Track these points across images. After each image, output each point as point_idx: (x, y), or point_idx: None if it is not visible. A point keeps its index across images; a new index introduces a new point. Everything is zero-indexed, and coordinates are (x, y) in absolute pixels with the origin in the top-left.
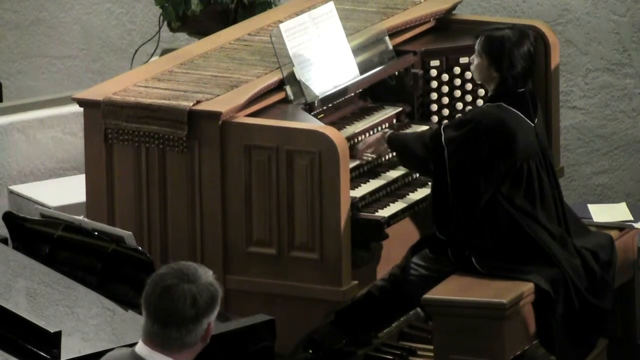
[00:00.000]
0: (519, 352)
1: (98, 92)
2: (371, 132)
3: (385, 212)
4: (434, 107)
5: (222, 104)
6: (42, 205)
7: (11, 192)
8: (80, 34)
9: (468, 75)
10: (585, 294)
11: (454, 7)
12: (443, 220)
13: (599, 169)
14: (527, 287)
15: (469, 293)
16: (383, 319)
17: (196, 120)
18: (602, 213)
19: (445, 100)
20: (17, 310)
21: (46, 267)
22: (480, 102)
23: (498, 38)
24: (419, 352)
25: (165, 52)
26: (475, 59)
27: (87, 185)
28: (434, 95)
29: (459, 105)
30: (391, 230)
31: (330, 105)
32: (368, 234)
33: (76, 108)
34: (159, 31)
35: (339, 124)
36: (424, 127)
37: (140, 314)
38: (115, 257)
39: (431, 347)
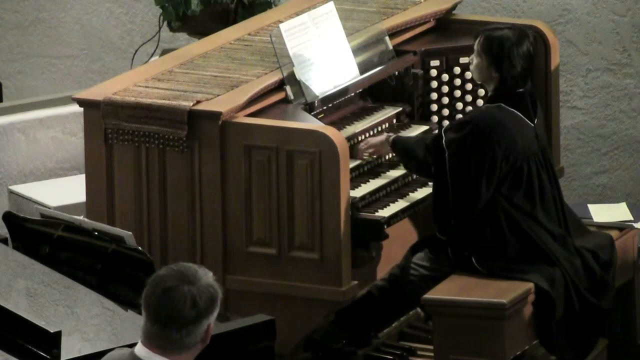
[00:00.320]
0: (519, 352)
1: (98, 92)
2: (371, 132)
3: (385, 212)
4: (434, 107)
5: (222, 104)
6: (42, 205)
7: (11, 192)
8: (80, 34)
9: (468, 75)
10: (585, 294)
11: (454, 7)
12: (444, 220)
13: (599, 169)
14: (527, 287)
15: (469, 293)
16: (383, 319)
17: (196, 120)
18: (602, 213)
19: (445, 100)
20: (17, 310)
21: (46, 267)
22: (480, 102)
23: (497, 38)
24: (419, 352)
25: (165, 52)
26: (474, 59)
27: (87, 185)
28: (434, 95)
29: (459, 105)
30: (391, 230)
31: (330, 105)
32: (368, 234)
33: (76, 108)
34: (159, 31)
35: (339, 124)
36: (424, 127)
37: (140, 314)
38: (115, 257)
39: (431, 347)
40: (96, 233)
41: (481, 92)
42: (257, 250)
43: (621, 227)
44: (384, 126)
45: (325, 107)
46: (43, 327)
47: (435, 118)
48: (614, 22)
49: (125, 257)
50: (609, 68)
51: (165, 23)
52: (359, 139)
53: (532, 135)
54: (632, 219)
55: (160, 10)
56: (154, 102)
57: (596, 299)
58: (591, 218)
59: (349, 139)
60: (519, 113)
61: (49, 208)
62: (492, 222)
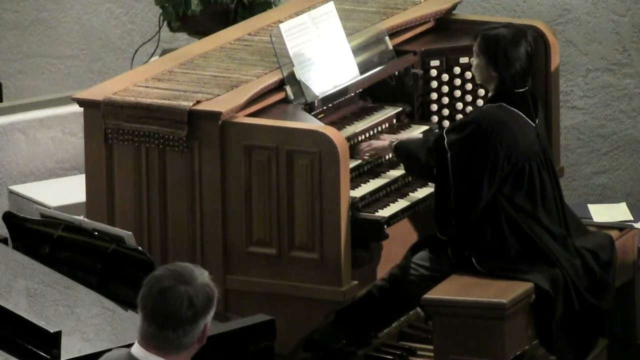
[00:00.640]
0: (519, 352)
1: (98, 92)
2: (371, 132)
3: (385, 212)
4: (434, 107)
5: (222, 104)
6: (42, 205)
7: (11, 192)
8: (80, 34)
9: (468, 75)
10: (585, 294)
11: (454, 7)
12: (445, 221)
13: (599, 169)
14: (527, 287)
15: (469, 293)
16: (383, 319)
17: (196, 120)
18: (602, 213)
19: (445, 100)
20: (17, 310)
21: (46, 267)
22: (480, 102)
23: (493, 37)
24: (419, 352)
25: (165, 52)
26: (474, 60)
27: (87, 185)
28: (434, 95)
29: (459, 105)
30: (391, 230)
31: (330, 105)
32: (368, 234)
33: (76, 108)
34: (159, 31)
35: (339, 124)
36: (424, 127)
37: None
38: (115, 257)
39: (431, 347)
40: (96, 233)
41: (481, 92)
42: (257, 250)
43: (621, 227)
44: (384, 126)
45: (325, 107)
46: (43, 327)
47: (435, 118)
48: (614, 22)
49: (125, 257)
50: (609, 68)
51: (165, 23)
52: (359, 139)
53: (533, 135)
54: (632, 219)
55: (160, 10)
56: (154, 102)
57: (596, 299)
58: (591, 218)
59: (349, 139)
60: (520, 113)
61: (49, 208)
62: (493, 222)
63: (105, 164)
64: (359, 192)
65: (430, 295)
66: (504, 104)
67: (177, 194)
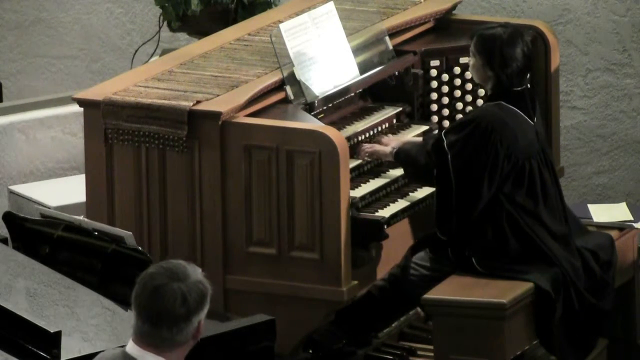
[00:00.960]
0: (519, 352)
1: (98, 92)
2: (371, 132)
3: (385, 212)
4: (434, 107)
5: (222, 104)
6: (42, 205)
7: (11, 192)
8: (80, 34)
9: (468, 75)
10: (585, 294)
11: (454, 7)
12: (446, 222)
13: (599, 169)
14: (527, 287)
15: (469, 293)
16: (383, 319)
17: (196, 120)
18: (602, 213)
19: (445, 100)
20: (17, 310)
21: (46, 267)
22: (480, 102)
23: (489, 36)
24: (419, 352)
25: (165, 52)
26: (471, 60)
27: (87, 185)
28: (434, 95)
29: (459, 105)
30: (391, 230)
31: (330, 105)
32: (368, 234)
33: (76, 108)
34: (159, 31)
35: (339, 124)
36: (424, 127)
37: None
38: (115, 257)
39: (431, 347)
40: (96, 233)
41: (481, 92)
42: (257, 250)
43: (621, 227)
44: (384, 126)
45: (325, 107)
46: (43, 327)
47: (435, 118)
48: (614, 22)
49: (125, 257)
50: (609, 68)
51: (165, 23)
52: (359, 139)
53: (532, 133)
54: (632, 219)
55: (160, 10)
56: (154, 102)
57: (596, 299)
58: (591, 218)
59: (349, 139)
60: (518, 111)
61: (49, 208)
62: (493, 222)
63: (105, 164)
64: (359, 192)
65: (430, 295)
66: (503, 103)
67: (177, 194)
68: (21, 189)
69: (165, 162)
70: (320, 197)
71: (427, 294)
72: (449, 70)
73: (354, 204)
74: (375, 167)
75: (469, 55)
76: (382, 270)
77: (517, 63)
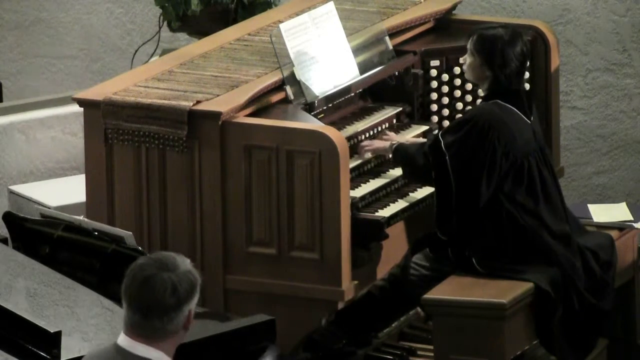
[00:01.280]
0: (519, 352)
1: (98, 92)
2: (371, 132)
3: (385, 212)
4: (434, 107)
5: (222, 104)
6: (42, 205)
7: (11, 192)
8: (80, 34)
9: None
10: (585, 294)
11: (454, 7)
12: (447, 222)
13: (599, 169)
14: (527, 287)
15: (469, 293)
16: (383, 319)
17: (196, 120)
18: (602, 213)
19: (445, 100)
20: (17, 310)
21: (46, 267)
22: (480, 102)
23: (490, 37)
24: (419, 352)
25: (165, 52)
26: (467, 58)
27: (87, 185)
28: (434, 95)
29: (459, 105)
30: (391, 230)
31: (330, 105)
32: (368, 234)
33: (76, 108)
34: (159, 31)
35: (339, 124)
36: (424, 127)
37: None
38: (115, 257)
39: (431, 347)
40: (96, 233)
41: (481, 92)
42: (257, 250)
43: (621, 227)
44: (384, 126)
45: (325, 107)
46: (43, 327)
47: (435, 118)
48: (614, 22)
49: (125, 257)
50: (609, 68)
51: (165, 23)
52: (359, 139)
53: (529, 131)
54: (632, 219)
55: (160, 10)
56: (154, 102)
57: (596, 299)
58: (591, 218)
59: (349, 139)
60: (515, 109)
61: (49, 208)
62: (493, 221)
63: (105, 164)
64: (359, 192)
65: (430, 295)
66: (499, 101)
67: (177, 194)
68: (21, 189)
69: (165, 162)
70: (320, 197)
71: (427, 294)
72: (449, 70)
73: (354, 204)
74: (376, 167)
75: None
76: (382, 270)
77: (516, 63)
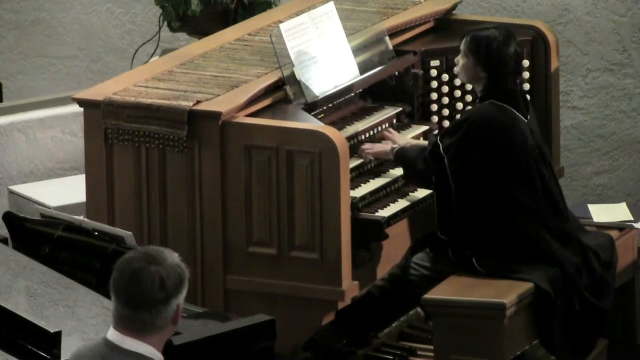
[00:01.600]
0: (519, 352)
1: (98, 92)
2: (371, 132)
3: (385, 212)
4: (434, 107)
5: (222, 104)
6: (42, 205)
7: (11, 192)
8: (80, 34)
9: None
10: (585, 294)
11: (454, 7)
12: (447, 224)
13: (599, 169)
14: (527, 287)
15: (469, 293)
16: (383, 319)
17: (196, 120)
18: (602, 213)
19: (445, 100)
20: (17, 310)
21: (46, 267)
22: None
23: (485, 37)
24: (419, 352)
25: (165, 52)
26: (460, 60)
27: (87, 185)
28: (434, 95)
29: (459, 105)
30: (391, 230)
31: (330, 105)
32: (368, 234)
33: (76, 108)
34: (159, 31)
35: (339, 124)
36: (424, 127)
37: None
38: (115, 257)
39: (431, 347)
40: (96, 233)
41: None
42: (257, 250)
43: (621, 227)
44: (384, 126)
45: (325, 107)
46: (43, 327)
47: (435, 118)
48: (614, 22)
49: None
50: (609, 68)
51: (165, 23)
52: (359, 139)
53: (527, 131)
54: (632, 219)
55: (160, 10)
56: (154, 102)
57: (596, 299)
58: (591, 218)
59: (349, 139)
60: (511, 108)
61: (49, 208)
62: (493, 221)
63: (105, 164)
64: (359, 192)
65: (430, 295)
66: (495, 101)
67: (177, 194)
68: (21, 189)
69: (165, 162)
70: (320, 197)
71: (427, 294)
72: (449, 70)
73: (354, 204)
74: (376, 167)
75: None
76: (382, 270)
77: (512, 63)
